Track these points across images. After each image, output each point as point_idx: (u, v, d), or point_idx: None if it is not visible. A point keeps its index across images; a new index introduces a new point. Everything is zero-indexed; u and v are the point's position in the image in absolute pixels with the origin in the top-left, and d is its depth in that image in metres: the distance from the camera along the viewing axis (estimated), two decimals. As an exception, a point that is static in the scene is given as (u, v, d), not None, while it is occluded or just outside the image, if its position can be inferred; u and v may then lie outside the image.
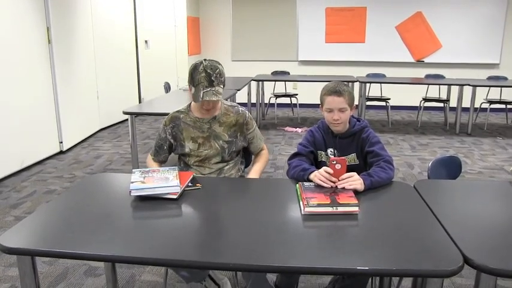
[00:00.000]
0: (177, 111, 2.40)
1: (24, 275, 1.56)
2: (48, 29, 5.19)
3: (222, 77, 2.20)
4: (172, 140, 2.39)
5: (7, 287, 2.63)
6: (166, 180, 1.85)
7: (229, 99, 5.05)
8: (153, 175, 1.91)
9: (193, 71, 2.17)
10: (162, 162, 2.47)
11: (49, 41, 5.23)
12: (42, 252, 1.46)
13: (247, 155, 2.63)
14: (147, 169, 1.98)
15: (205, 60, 2.21)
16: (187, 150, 2.34)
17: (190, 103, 2.41)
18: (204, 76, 2.15)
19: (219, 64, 2.24)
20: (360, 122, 2.33)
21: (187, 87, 2.27)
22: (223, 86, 2.23)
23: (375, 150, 2.17)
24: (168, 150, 2.44)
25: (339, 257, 1.40)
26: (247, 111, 2.43)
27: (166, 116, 2.42)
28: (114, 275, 2.33)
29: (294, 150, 2.35)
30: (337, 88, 2.22)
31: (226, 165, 2.40)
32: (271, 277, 2.54)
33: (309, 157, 2.31)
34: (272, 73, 8.02)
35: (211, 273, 2.47)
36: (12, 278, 2.71)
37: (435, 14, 8.35)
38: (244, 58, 9.01)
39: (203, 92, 2.15)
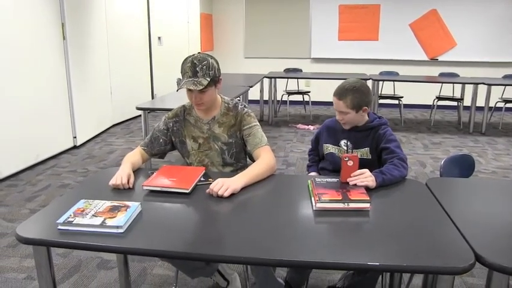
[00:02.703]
0: (182, 107, 2.33)
1: (40, 265, 1.59)
2: (63, 25, 5.24)
3: (210, 70, 2.09)
4: (171, 135, 2.31)
5: (23, 277, 2.67)
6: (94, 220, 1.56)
7: (241, 97, 5.06)
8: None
9: (183, 62, 2.11)
10: (153, 156, 2.35)
11: (64, 37, 5.28)
12: (58, 243, 1.49)
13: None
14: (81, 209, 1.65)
15: (199, 53, 2.14)
16: (189, 148, 2.28)
17: None
18: (189, 66, 2.07)
19: (212, 58, 2.14)
20: (380, 118, 2.33)
21: None
22: (213, 80, 2.11)
23: (390, 148, 2.17)
24: (164, 145, 2.31)
25: (350, 252, 1.41)
26: (247, 108, 2.29)
27: (171, 111, 2.35)
28: (126, 268, 2.36)
29: (305, 147, 2.37)
30: (340, 90, 2.24)
31: (231, 171, 2.30)
32: (282, 273, 2.55)
33: (317, 148, 2.49)
34: (285, 70, 8.02)
35: (220, 268, 2.48)
36: (28, 269, 2.76)
37: (450, 11, 8.27)
38: (257, 55, 9.01)
39: (184, 82, 2.07)
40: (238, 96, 4.81)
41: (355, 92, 2.21)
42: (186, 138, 2.29)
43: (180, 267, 2.26)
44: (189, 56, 2.11)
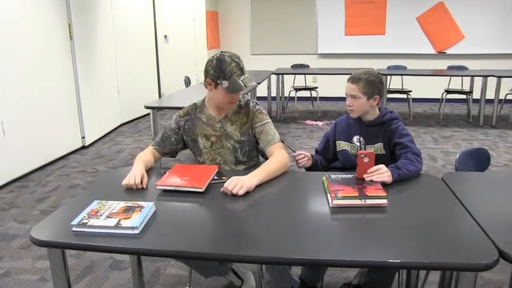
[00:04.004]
0: (193, 105, 2.32)
1: (55, 267, 1.58)
2: (69, 25, 5.24)
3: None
4: (183, 134, 2.30)
5: (36, 278, 2.67)
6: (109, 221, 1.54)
7: (248, 94, 5.04)
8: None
9: (221, 63, 2.08)
10: (165, 155, 2.33)
11: (70, 37, 5.28)
12: (73, 245, 1.48)
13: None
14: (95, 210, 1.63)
15: (221, 52, 2.14)
16: (201, 146, 2.26)
17: (204, 98, 2.32)
18: (235, 65, 2.09)
19: None
20: (391, 113, 2.32)
21: (207, 82, 2.13)
22: None
23: (404, 142, 2.15)
24: (175, 144, 2.30)
25: (369, 249, 1.38)
26: (258, 105, 2.29)
27: (182, 110, 2.34)
28: (140, 269, 2.34)
29: (315, 143, 2.35)
30: (354, 75, 2.26)
31: (243, 169, 2.28)
32: (296, 271, 2.53)
33: (326, 150, 2.45)
34: (292, 66, 7.98)
35: (234, 267, 2.47)
36: (41, 270, 2.75)
37: (457, 4, 8.18)
38: (264, 52, 8.98)
39: (242, 80, 2.09)
40: (246, 93, 4.79)
41: (370, 79, 2.23)
42: (198, 136, 2.27)
43: (194, 266, 2.24)
44: (221, 57, 2.10)
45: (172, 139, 2.29)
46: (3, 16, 4.19)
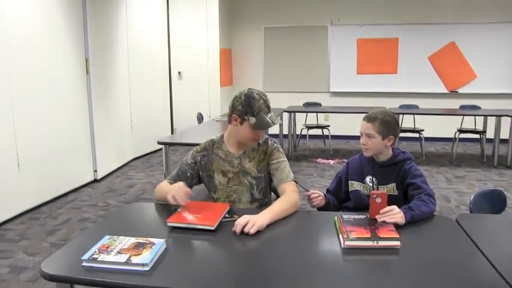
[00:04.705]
0: (211, 141, 2.34)
1: (63, 303, 1.57)
2: (86, 60, 5.38)
3: None
4: (199, 169, 2.31)
5: (42, 314, 2.65)
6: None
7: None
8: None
9: (250, 100, 2.11)
10: None
11: (87, 72, 5.41)
12: (83, 280, 1.47)
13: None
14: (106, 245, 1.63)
15: (249, 89, 2.18)
16: (216, 182, 2.27)
17: (223, 134, 2.35)
18: (263, 102, 2.14)
19: None
20: (404, 153, 2.32)
21: (233, 117, 2.16)
22: None
23: (417, 183, 2.14)
24: (190, 179, 2.30)
25: (382, 293, 1.36)
26: (276, 143, 2.33)
27: (199, 145, 2.36)
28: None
29: (326, 182, 2.35)
30: (370, 114, 2.29)
31: (256, 206, 2.28)
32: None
33: (338, 189, 2.46)
34: (304, 104, 8.04)
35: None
36: (47, 306, 2.73)
37: (469, 44, 8.25)
38: (276, 89, 9.07)
39: (269, 118, 2.14)
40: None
41: (386, 119, 2.26)
42: (214, 172, 2.29)
43: None
44: (249, 93, 2.14)
45: (188, 174, 2.30)
46: (21, 48, 4.32)
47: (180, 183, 2.05)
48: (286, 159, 2.30)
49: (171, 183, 2.23)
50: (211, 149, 2.31)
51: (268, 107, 2.16)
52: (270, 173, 2.27)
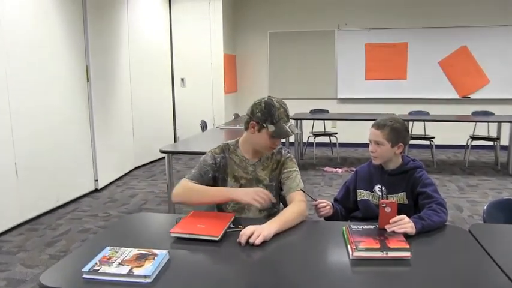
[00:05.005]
0: (226, 145, 2.35)
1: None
2: (87, 67, 5.42)
3: None
4: (217, 170, 2.31)
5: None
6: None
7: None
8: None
9: (270, 107, 2.14)
10: None
11: (88, 79, 5.45)
12: (83, 293, 1.48)
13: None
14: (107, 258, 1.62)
15: (269, 97, 2.21)
16: (228, 187, 2.28)
17: (238, 139, 2.36)
18: (283, 111, 2.16)
19: None
20: (414, 161, 2.32)
21: (251, 124, 2.18)
22: None
23: (427, 192, 2.14)
24: (212, 179, 2.29)
25: (392, 306, 1.35)
26: (290, 153, 2.36)
27: (215, 147, 2.36)
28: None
29: (334, 191, 2.35)
30: (379, 121, 2.30)
31: (264, 216, 2.28)
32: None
33: (346, 199, 2.46)
34: (310, 111, 8.05)
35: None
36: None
37: (481, 47, 8.25)
38: (282, 96, 8.84)
39: (288, 127, 2.16)
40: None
41: (395, 126, 2.26)
42: (228, 176, 2.30)
43: None
44: (269, 101, 2.17)
45: (210, 175, 2.29)
46: (19, 56, 4.36)
47: (258, 189, 2.08)
48: (298, 169, 2.32)
49: (193, 183, 2.21)
50: (227, 153, 2.33)
51: (287, 116, 2.18)
52: (280, 182, 2.30)
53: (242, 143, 2.33)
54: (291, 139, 7.38)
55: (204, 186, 2.19)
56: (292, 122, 2.23)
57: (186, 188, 2.19)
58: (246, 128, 2.24)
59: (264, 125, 2.15)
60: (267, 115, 2.14)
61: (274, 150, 2.31)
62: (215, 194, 2.15)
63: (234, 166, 2.30)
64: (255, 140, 2.23)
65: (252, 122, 2.19)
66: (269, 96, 2.22)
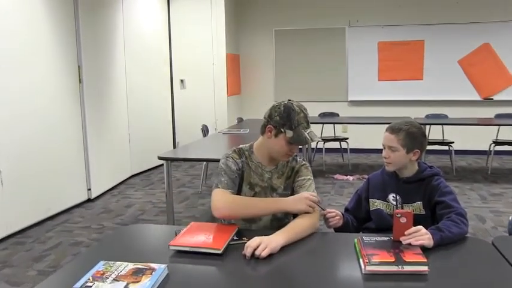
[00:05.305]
0: (239, 149, 2.34)
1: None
2: (79, 68, 5.45)
3: None
4: (240, 177, 2.29)
5: None
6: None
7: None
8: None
9: (289, 111, 2.14)
10: None
11: (80, 81, 5.48)
12: (75, 310, 1.48)
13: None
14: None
15: (289, 100, 2.22)
16: (242, 194, 2.29)
17: (252, 144, 2.36)
18: (303, 117, 2.16)
19: None
20: (431, 168, 2.32)
21: (268, 128, 2.18)
22: None
23: (446, 201, 2.13)
24: (238, 186, 2.28)
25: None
26: (305, 161, 2.37)
27: (229, 151, 2.33)
28: None
29: (345, 200, 2.35)
30: (394, 125, 2.30)
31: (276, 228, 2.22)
32: None
33: (358, 208, 2.46)
34: (319, 115, 8.06)
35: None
36: None
37: (506, 45, 8.23)
38: (289, 98, 9.10)
39: (308, 133, 2.16)
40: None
41: (411, 130, 2.26)
42: (243, 183, 2.31)
43: None
44: (289, 105, 2.18)
45: (237, 181, 2.27)
46: (9, 58, 4.40)
47: (305, 193, 2.15)
48: (312, 178, 2.33)
49: (232, 192, 2.19)
50: (244, 157, 2.33)
51: (308, 122, 2.18)
52: (293, 190, 2.30)
53: (257, 148, 2.33)
54: (299, 145, 7.38)
55: (249, 198, 2.23)
56: (312, 129, 2.21)
57: (234, 202, 2.15)
58: (263, 132, 2.25)
59: (282, 129, 2.15)
60: (285, 119, 2.14)
61: (290, 158, 2.32)
62: (265, 207, 2.15)
63: (250, 172, 2.30)
64: (271, 146, 2.23)
65: (269, 125, 2.19)
66: (289, 100, 2.22)
